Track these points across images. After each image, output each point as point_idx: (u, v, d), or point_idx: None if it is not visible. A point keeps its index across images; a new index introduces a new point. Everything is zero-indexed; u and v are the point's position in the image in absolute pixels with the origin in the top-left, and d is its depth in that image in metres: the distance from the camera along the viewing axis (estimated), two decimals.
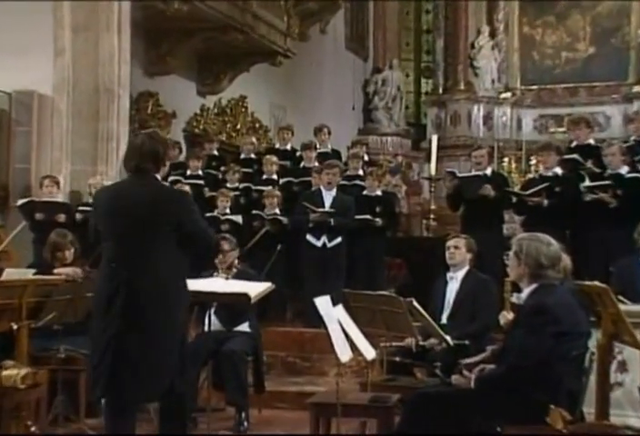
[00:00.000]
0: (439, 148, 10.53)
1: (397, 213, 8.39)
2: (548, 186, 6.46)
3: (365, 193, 7.70)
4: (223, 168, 8.55)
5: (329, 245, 6.95)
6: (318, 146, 8.53)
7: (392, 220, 7.72)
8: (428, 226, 9.79)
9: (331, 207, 7.00)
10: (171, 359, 3.49)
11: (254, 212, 7.53)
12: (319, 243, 6.96)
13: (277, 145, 9.04)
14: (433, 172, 9.81)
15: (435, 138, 10.23)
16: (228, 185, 8.08)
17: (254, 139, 9.25)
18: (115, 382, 3.44)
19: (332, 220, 6.93)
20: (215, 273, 5.15)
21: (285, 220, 7.36)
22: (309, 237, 6.99)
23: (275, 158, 8.25)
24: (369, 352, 4.26)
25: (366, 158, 8.92)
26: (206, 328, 4.90)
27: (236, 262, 5.28)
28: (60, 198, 7.22)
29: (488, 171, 6.86)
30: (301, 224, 7.04)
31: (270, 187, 7.82)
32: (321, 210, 6.96)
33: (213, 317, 4.90)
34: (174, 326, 3.51)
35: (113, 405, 3.51)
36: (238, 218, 7.42)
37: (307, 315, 6.67)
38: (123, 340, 3.43)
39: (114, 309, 3.44)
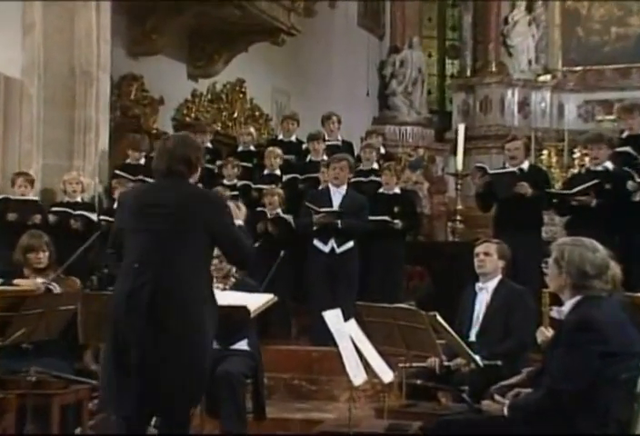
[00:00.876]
0: (467, 139, 10.51)
1: (418, 213, 8.38)
2: (597, 183, 6.44)
3: (381, 190, 7.70)
4: (218, 162, 8.57)
5: (338, 251, 6.95)
6: (327, 137, 8.54)
7: (412, 222, 7.72)
8: (454, 229, 9.80)
9: (340, 207, 6.99)
10: (197, 376, 3.63)
11: (258, 209, 7.53)
12: (327, 249, 6.96)
13: (280, 136, 9.07)
14: (459, 167, 9.82)
15: (462, 128, 10.24)
16: (225, 182, 8.09)
17: (252, 129, 9.28)
18: (143, 400, 3.59)
19: (339, 221, 6.92)
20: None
21: (289, 218, 7.35)
22: (316, 242, 7.00)
23: (278, 151, 8.27)
24: (386, 374, 4.26)
25: (383, 151, 8.92)
26: None
27: (234, 270, 5.28)
28: (33, 197, 7.25)
29: (525, 165, 6.84)
30: (307, 228, 7.05)
31: (273, 185, 7.83)
32: (325, 209, 6.95)
33: None
34: (199, 339, 3.63)
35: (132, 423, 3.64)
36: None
37: (315, 331, 6.68)
38: (147, 348, 3.56)
39: (135, 313, 3.57)
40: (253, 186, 8.11)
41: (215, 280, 5.15)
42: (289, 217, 7.42)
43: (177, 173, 3.76)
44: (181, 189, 3.77)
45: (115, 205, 3.99)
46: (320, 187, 7.52)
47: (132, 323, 3.57)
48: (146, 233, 3.67)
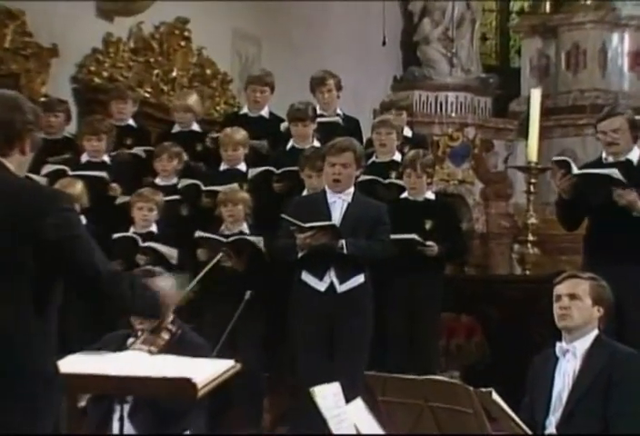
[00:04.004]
0: (545, 113, 10.57)
1: (464, 231, 8.41)
2: None
3: (405, 195, 7.77)
4: (141, 148, 8.59)
5: (341, 289, 6.98)
6: (319, 111, 8.59)
7: (454, 244, 7.77)
8: (523, 256, 9.82)
9: (344, 222, 7.00)
10: None
11: (200, 234, 7.46)
12: (322, 287, 6.99)
13: (245, 110, 9.13)
14: (533, 157, 9.85)
15: (536, 94, 10.27)
16: (158, 181, 8.15)
17: (195, 97, 9.21)
18: None
19: (343, 243, 6.92)
20: (131, 340, 5.19)
21: (257, 240, 7.32)
22: (305, 276, 7.04)
23: (241, 132, 8.29)
24: None
25: (408, 132, 8.96)
26: None
27: (169, 320, 5.33)
28: None
29: (634, 155, 6.89)
30: (289, 254, 7.08)
31: (235, 185, 7.86)
32: (312, 224, 6.91)
33: (125, 424, 4.91)
34: None
35: None
36: (172, 251, 7.42)
37: (300, 418, 6.73)
38: None
39: None
40: (204, 188, 8.08)
41: (139, 335, 5.22)
42: (258, 239, 7.38)
43: None
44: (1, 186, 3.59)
45: None
46: (309, 191, 7.52)
47: None
48: None
